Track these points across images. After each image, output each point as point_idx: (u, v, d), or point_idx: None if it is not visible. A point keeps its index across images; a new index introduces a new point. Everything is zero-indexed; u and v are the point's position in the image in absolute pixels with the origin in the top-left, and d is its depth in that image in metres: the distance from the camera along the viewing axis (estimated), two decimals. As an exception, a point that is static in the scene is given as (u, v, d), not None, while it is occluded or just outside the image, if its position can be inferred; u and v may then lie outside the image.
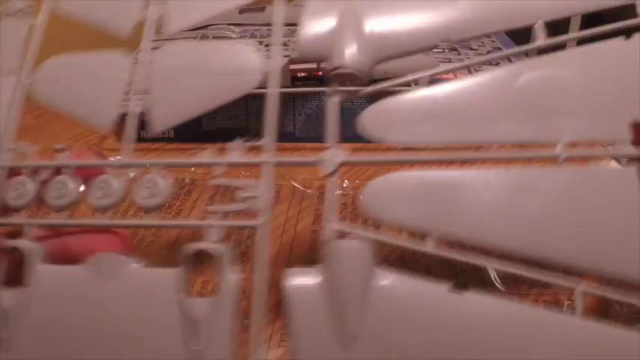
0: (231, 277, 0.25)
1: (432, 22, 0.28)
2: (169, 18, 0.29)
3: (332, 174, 0.26)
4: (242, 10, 0.70)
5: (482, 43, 0.60)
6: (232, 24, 0.66)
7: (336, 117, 0.27)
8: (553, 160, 0.25)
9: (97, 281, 0.26)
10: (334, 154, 0.27)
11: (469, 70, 0.43)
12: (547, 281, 0.25)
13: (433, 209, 0.25)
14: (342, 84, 0.28)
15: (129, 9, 0.30)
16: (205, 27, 0.64)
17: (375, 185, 0.26)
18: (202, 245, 0.25)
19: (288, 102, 0.53)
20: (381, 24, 0.28)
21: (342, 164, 0.27)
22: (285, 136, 0.55)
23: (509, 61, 0.40)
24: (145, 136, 0.55)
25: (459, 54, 0.58)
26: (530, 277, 0.25)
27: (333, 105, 0.27)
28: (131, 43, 0.30)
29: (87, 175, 0.28)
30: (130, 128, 0.28)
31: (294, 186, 0.47)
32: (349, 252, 0.25)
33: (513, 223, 0.25)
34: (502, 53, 0.29)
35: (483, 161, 0.27)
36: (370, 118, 0.27)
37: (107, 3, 0.30)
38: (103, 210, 0.27)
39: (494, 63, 0.45)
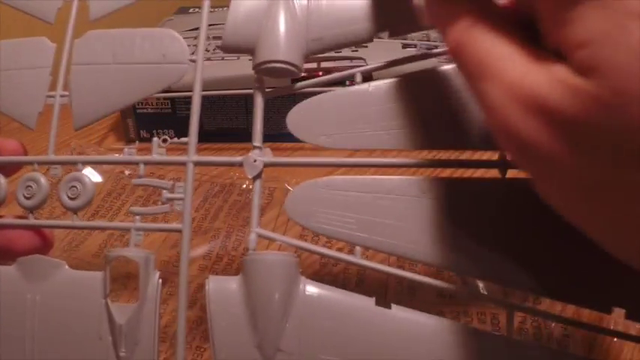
0: (153, 282, 0.25)
1: (372, 11, 0.26)
2: (93, 4, 0.28)
3: (257, 176, 0.26)
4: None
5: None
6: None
7: (261, 115, 0.26)
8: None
9: (27, 282, 0.26)
10: (259, 155, 0.26)
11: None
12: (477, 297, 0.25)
13: (358, 218, 0.25)
14: (272, 77, 0.26)
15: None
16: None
17: (299, 191, 0.25)
18: (124, 252, 0.25)
19: (288, 101, 0.51)
20: (317, 11, 0.26)
21: (267, 166, 0.26)
22: (285, 135, 0.52)
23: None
24: (144, 136, 0.55)
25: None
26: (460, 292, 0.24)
27: (259, 103, 0.26)
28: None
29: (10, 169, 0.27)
30: (54, 124, 0.27)
31: (287, 189, 0.46)
32: (269, 263, 0.24)
33: (441, 237, 0.24)
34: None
35: (416, 167, 0.25)
36: (296, 118, 0.25)
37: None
38: (30, 210, 0.27)
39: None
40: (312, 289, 0.24)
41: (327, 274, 0.39)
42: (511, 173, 0.24)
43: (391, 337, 0.24)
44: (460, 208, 0.24)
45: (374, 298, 0.24)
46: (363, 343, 0.24)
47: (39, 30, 0.28)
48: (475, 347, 0.23)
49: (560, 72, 0.16)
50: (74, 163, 0.27)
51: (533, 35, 0.18)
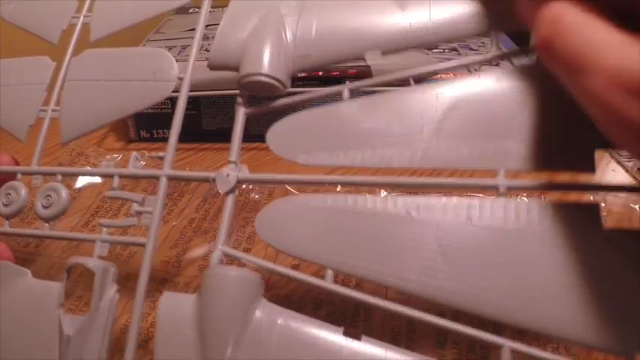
0: (108, 294, 0.24)
1: (362, 30, 0.25)
2: (94, 26, 0.28)
3: (230, 191, 0.24)
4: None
5: (483, 43, 0.55)
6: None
7: (240, 130, 0.25)
8: (492, 189, 0.22)
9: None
10: (234, 169, 0.24)
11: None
12: (473, 336, 0.21)
13: (331, 241, 0.22)
14: (255, 93, 0.25)
15: (58, 17, 0.29)
16: (205, 27, 0.63)
17: (271, 209, 0.23)
18: (81, 260, 0.24)
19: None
20: (305, 28, 0.25)
21: (240, 182, 0.24)
22: None
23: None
24: (144, 137, 0.56)
25: (459, 54, 0.53)
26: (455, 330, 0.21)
27: (239, 119, 0.25)
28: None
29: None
30: (42, 136, 0.27)
31: (287, 189, 0.45)
32: (229, 278, 0.22)
33: (427, 267, 0.21)
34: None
35: (402, 186, 0.23)
36: (277, 135, 0.24)
37: (39, 10, 0.30)
38: (6, 217, 0.26)
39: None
40: (271, 313, 0.22)
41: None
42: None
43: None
44: (451, 233, 0.22)
45: (342, 328, 0.21)
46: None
47: (45, 48, 0.29)
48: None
49: None
50: (53, 174, 0.26)
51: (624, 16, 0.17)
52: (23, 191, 0.26)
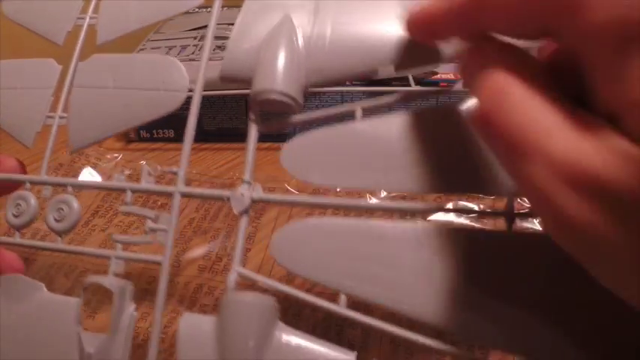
0: (127, 313, 0.24)
1: (377, 44, 0.24)
2: (100, 28, 0.27)
3: (244, 211, 0.24)
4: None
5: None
6: (232, 24, 0.62)
7: (253, 149, 0.25)
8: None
9: (5, 301, 0.25)
10: (248, 189, 0.24)
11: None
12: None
13: (344, 266, 0.23)
14: (267, 111, 0.25)
15: (63, 17, 0.28)
16: (205, 27, 0.61)
17: (285, 232, 0.23)
18: (100, 280, 0.24)
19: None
20: (319, 41, 0.25)
21: (255, 202, 0.24)
22: (284, 135, 0.52)
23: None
24: (144, 136, 0.55)
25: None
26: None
27: (252, 136, 0.25)
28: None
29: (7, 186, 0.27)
30: (50, 144, 0.27)
31: (287, 189, 0.45)
32: (246, 305, 0.23)
33: (436, 292, 0.22)
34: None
35: (414, 211, 0.23)
36: (290, 154, 0.24)
37: (43, 10, 0.29)
38: (17, 228, 0.26)
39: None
40: (288, 337, 0.23)
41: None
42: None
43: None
44: (460, 261, 0.22)
45: (355, 353, 0.22)
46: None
47: (46, 46, 0.28)
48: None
49: (614, 141, 0.14)
50: (64, 185, 0.26)
51: (573, 91, 0.16)
52: (33, 201, 0.26)
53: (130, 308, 0.24)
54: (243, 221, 0.24)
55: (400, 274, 0.22)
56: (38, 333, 0.25)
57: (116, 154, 0.51)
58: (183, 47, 0.52)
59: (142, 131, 0.54)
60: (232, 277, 0.24)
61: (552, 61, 0.18)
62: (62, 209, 0.26)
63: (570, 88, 0.16)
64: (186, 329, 0.23)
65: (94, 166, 0.45)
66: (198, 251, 0.41)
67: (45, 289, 0.25)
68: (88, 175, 0.43)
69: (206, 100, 0.51)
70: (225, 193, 0.24)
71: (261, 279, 0.24)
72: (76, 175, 0.44)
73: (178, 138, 0.52)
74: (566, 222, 0.14)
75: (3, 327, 0.25)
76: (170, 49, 0.52)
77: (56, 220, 0.26)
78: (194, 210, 0.45)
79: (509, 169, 0.16)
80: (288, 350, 0.22)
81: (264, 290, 0.23)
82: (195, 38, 0.53)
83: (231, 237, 0.43)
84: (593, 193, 0.14)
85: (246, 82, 0.25)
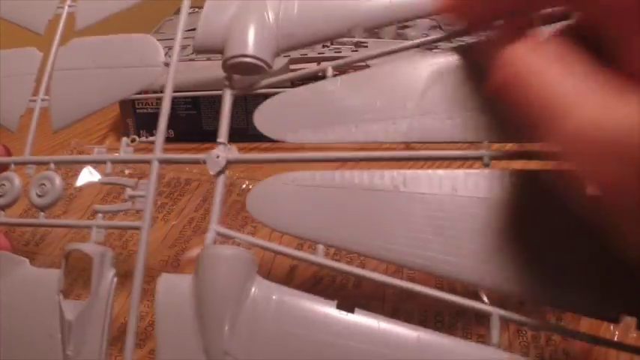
0: (107, 278, 0.24)
1: (345, 6, 0.25)
2: (79, 15, 0.29)
3: (220, 173, 0.25)
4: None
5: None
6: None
7: (228, 110, 0.25)
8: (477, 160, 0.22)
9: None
10: (222, 152, 0.25)
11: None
12: (462, 305, 0.22)
13: (323, 213, 0.23)
14: (240, 74, 0.26)
15: (43, 7, 0.29)
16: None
17: (261, 188, 0.24)
18: (81, 246, 0.24)
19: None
20: (287, 8, 0.26)
21: (230, 163, 0.25)
22: None
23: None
24: (144, 136, 0.56)
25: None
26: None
27: (227, 101, 0.25)
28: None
29: None
30: (33, 125, 0.27)
31: None
32: (224, 257, 0.23)
33: (415, 236, 0.22)
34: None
35: (381, 161, 0.24)
36: (264, 115, 0.25)
37: (24, 2, 0.30)
38: (1, 208, 0.27)
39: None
40: (265, 290, 0.22)
41: (327, 274, 0.38)
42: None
43: (347, 346, 0.21)
44: (438, 204, 0.22)
45: (335, 302, 0.22)
46: (321, 351, 0.21)
47: (29, 37, 0.29)
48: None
49: None
50: (47, 163, 0.27)
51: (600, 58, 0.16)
52: (17, 181, 0.27)
53: (110, 274, 0.24)
54: (220, 181, 0.25)
55: (376, 221, 0.22)
56: (23, 306, 0.25)
57: (116, 154, 0.50)
58: (183, 47, 0.52)
59: (141, 131, 0.55)
60: (210, 236, 0.24)
61: (574, 32, 0.18)
62: (44, 185, 0.26)
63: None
64: (163, 289, 0.23)
65: (95, 166, 0.46)
66: (197, 251, 0.41)
67: (29, 263, 0.25)
68: (88, 174, 0.43)
69: (206, 101, 0.52)
70: (201, 156, 0.25)
71: (239, 236, 0.24)
72: (77, 174, 0.45)
73: (178, 138, 0.53)
74: (595, 183, 0.14)
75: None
76: (170, 49, 0.52)
77: (38, 196, 0.26)
78: (194, 210, 0.45)
79: (536, 132, 0.16)
80: (266, 301, 0.22)
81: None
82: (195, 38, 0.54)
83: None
84: (620, 156, 0.13)
85: (219, 51, 0.26)
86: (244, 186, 0.44)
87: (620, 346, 0.21)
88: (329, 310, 0.22)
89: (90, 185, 0.45)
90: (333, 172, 0.23)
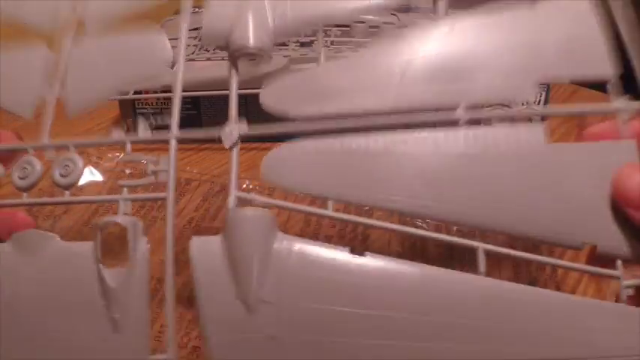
0: (141, 247, 0.27)
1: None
2: (88, 17, 0.31)
3: (234, 145, 0.28)
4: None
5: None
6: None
7: (235, 93, 0.29)
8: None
9: (21, 257, 0.28)
10: (234, 127, 0.28)
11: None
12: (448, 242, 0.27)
13: (329, 174, 0.27)
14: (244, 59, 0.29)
15: (53, 8, 0.32)
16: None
17: (274, 154, 0.28)
18: (113, 218, 0.27)
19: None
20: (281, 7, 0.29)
21: (242, 137, 0.28)
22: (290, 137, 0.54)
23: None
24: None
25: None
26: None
27: (233, 82, 0.29)
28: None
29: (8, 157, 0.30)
30: (50, 111, 0.30)
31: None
32: (247, 218, 0.26)
33: (413, 184, 0.26)
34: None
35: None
36: (271, 93, 0.28)
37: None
38: (24, 190, 0.29)
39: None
40: (287, 243, 0.26)
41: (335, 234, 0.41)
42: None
43: (366, 284, 0.25)
44: (424, 159, 0.27)
45: (348, 248, 0.26)
46: (340, 289, 0.25)
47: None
48: (457, 294, 0.25)
49: None
50: (66, 147, 0.29)
51: None
52: (38, 165, 0.29)
53: (143, 242, 0.27)
54: (235, 152, 0.28)
55: (376, 178, 0.27)
56: (57, 280, 0.27)
57: (118, 153, 0.50)
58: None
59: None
60: (231, 200, 0.27)
61: None
62: (68, 166, 0.28)
63: None
64: (197, 250, 0.26)
65: (96, 165, 0.47)
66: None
67: (58, 238, 0.28)
68: (89, 173, 0.44)
69: (206, 100, 0.53)
70: (216, 133, 0.28)
71: (258, 197, 0.28)
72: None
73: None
74: None
75: (24, 280, 0.28)
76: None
77: (62, 176, 0.28)
78: (194, 209, 0.46)
79: None
80: (289, 253, 0.26)
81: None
82: (195, 38, 0.55)
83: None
84: None
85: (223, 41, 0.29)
86: (245, 186, 0.46)
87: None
88: (343, 255, 0.26)
89: (91, 185, 0.46)
90: (334, 139, 0.27)
